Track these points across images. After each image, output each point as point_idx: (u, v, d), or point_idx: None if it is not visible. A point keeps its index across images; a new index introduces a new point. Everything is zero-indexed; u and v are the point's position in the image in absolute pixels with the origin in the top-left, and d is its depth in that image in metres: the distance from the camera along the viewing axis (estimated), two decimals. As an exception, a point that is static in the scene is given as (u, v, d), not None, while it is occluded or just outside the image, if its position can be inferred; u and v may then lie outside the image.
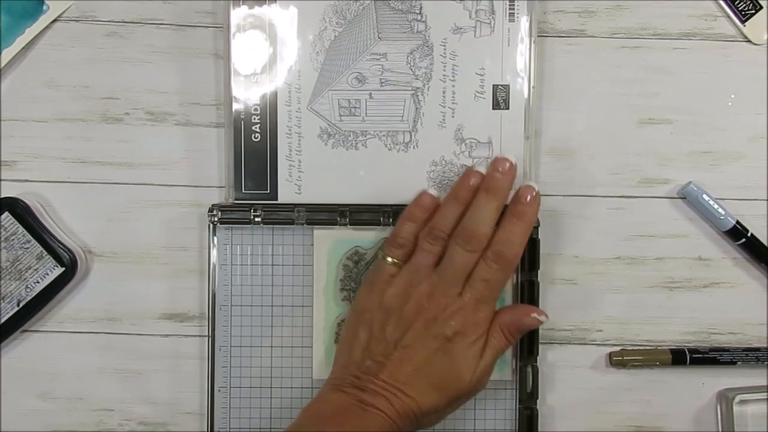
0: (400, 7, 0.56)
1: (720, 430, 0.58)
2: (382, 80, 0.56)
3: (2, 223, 0.55)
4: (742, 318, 0.59)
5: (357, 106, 0.56)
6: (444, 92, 0.56)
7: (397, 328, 0.51)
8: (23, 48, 0.56)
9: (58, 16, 0.57)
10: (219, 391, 0.57)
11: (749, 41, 0.58)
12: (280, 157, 0.56)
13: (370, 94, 0.56)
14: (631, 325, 0.58)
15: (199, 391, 0.58)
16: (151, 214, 0.58)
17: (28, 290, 0.56)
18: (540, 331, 0.57)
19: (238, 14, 0.55)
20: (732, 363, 0.58)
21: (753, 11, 0.57)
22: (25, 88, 0.57)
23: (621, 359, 0.58)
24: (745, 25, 0.57)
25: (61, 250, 0.55)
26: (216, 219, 0.56)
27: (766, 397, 0.58)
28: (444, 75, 0.56)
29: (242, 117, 0.56)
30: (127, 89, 0.57)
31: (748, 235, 0.57)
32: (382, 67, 0.56)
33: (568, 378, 0.59)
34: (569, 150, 0.58)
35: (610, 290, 0.58)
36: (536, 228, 0.57)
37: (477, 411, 0.57)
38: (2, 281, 0.56)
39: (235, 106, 0.56)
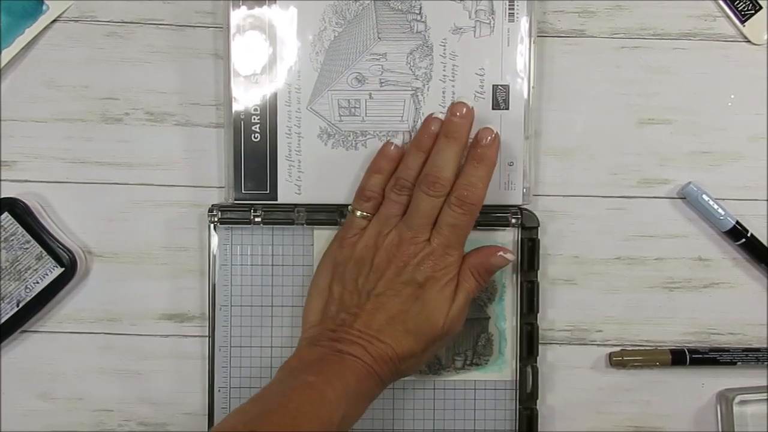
0: (399, 7, 0.56)
1: (720, 430, 0.58)
2: (382, 80, 0.56)
3: (2, 224, 0.55)
4: (742, 318, 0.59)
5: (357, 106, 0.56)
6: (444, 92, 0.56)
7: (369, 279, 0.52)
8: (23, 48, 0.56)
9: (58, 17, 0.57)
10: (219, 391, 0.57)
11: (749, 41, 0.58)
12: (280, 157, 0.56)
13: (370, 95, 0.56)
14: (630, 326, 0.58)
15: (199, 391, 0.58)
16: (150, 214, 0.58)
17: (28, 290, 0.56)
18: (540, 331, 0.57)
19: (237, 14, 0.55)
20: (732, 363, 0.58)
21: (753, 11, 0.57)
22: (25, 88, 0.57)
23: (621, 359, 0.58)
24: (744, 25, 0.57)
25: (61, 251, 0.55)
26: (216, 219, 0.56)
27: (766, 398, 0.58)
28: (444, 75, 0.56)
29: (242, 117, 0.56)
30: (126, 89, 0.57)
31: (748, 235, 0.57)
32: (382, 67, 0.56)
33: (568, 378, 0.59)
34: (569, 150, 0.58)
35: (610, 290, 0.58)
36: (536, 228, 0.57)
37: (477, 411, 0.57)
38: (2, 281, 0.55)
39: (235, 107, 0.56)
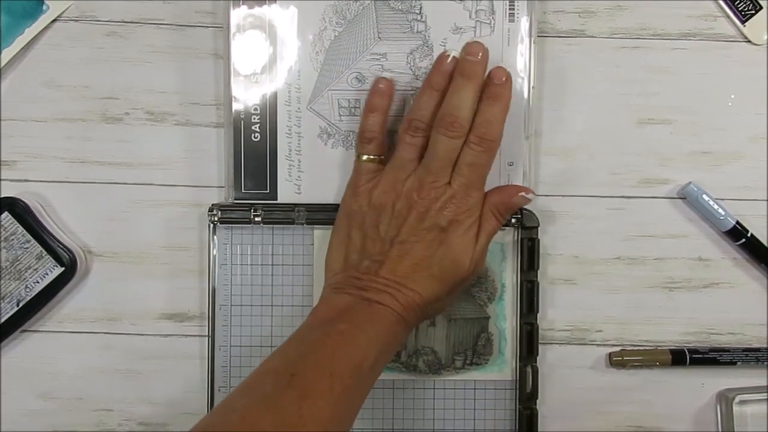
0: (400, 7, 0.56)
1: (720, 430, 0.58)
2: (382, 80, 0.56)
3: (2, 223, 0.55)
4: (742, 318, 0.59)
5: (357, 106, 0.56)
6: (444, 92, 0.56)
7: (391, 226, 0.52)
8: (23, 48, 0.56)
9: (58, 16, 0.57)
10: (219, 391, 0.57)
11: (749, 41, 0.58)
12: (280, 157, 0.56)
13: (370, 94, 0.56)
14: (630, 326, 0.58)
15: (199, 391, 0.58)
16: (151, 214, 0.58)
17: (28, 290, 0.56)
18: (540, 331, 0.57)
19: (238, 14, 0.55)
20: (732, 363, 0.58)
21: (753, 11, 0.57)
22: (25, 88, 0.57)
23: (621, 359, 0.58)
24: (745, 26, 0.57)
25: (61, 250, 0.55)
26: (216, 219, 0.56)
27: (766, 398, 0.58)
28: (444, 75, 0.56)
29: (242, 117, 0.56)
30: (126, 89, 0.57)
31: (748, 235, 0.57)
32: (382, 67, 0.56)
33: (568, 378, 0.59)
34: (569, 150, 0.58)
35: (610, 290, 0.58)
36: (536, 228, 0.57)
37: (477, 411, 0.58)
38: (2, 281, 0.56)
39: (235, 106, 0.56)
